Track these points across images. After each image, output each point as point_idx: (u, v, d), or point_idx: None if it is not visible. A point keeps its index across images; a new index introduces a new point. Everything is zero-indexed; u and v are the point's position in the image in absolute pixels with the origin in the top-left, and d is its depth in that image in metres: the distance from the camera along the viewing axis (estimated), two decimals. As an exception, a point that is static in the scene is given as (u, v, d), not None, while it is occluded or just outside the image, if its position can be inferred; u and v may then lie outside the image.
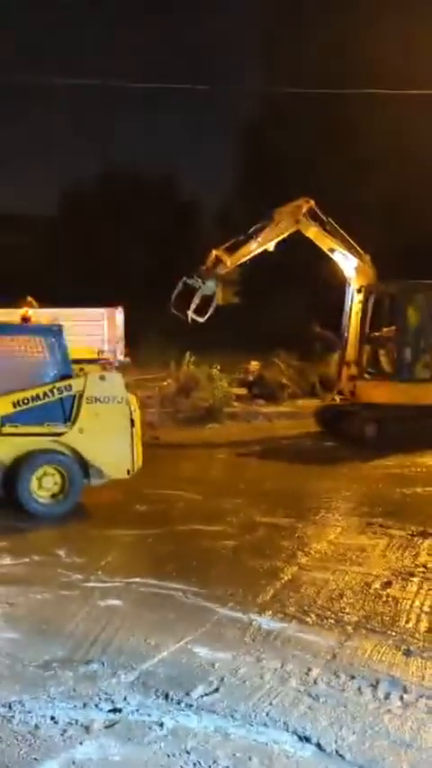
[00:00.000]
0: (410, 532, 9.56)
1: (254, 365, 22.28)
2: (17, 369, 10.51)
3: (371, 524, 9.99)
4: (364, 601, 7.29)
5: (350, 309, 17.26)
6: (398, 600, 7.32)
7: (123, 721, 5.07)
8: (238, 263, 17.09)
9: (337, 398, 17.66)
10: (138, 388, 15.92)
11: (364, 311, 16.94)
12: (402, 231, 24.49)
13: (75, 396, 10.42)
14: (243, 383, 21.65)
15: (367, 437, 15.95)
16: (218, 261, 16.90)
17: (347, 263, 17.14)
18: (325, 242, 17.14)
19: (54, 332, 10.68)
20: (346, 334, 17.38)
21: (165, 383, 20.06)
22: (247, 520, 10.20)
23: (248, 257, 17.15)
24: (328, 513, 10.52)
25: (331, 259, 17.35)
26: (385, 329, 17.17)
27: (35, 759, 4.63)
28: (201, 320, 17.12)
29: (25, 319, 11.26)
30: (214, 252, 17.03)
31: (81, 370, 10.75)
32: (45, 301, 16.63)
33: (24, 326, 11.04)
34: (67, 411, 10.41)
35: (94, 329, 16.11)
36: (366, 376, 16.92)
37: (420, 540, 9.25)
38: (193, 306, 16.86)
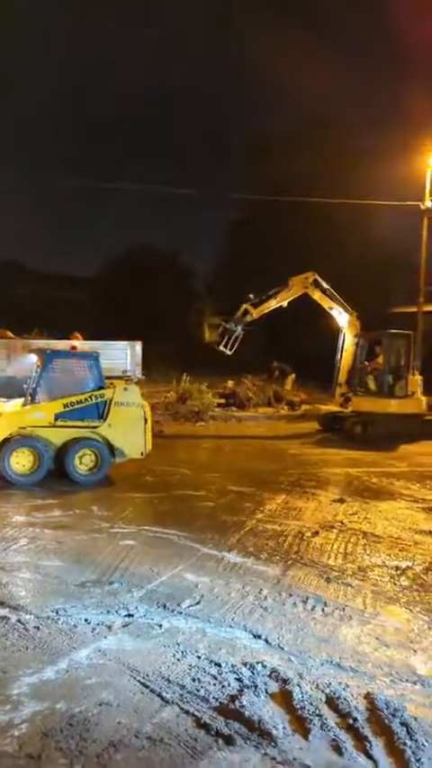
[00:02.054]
0: (332, 498, 9.62)
1: (230, 383, 22.30)
2: (67, 381, 10.52)
3: (306, 492, 10.01)
4: (300, 544, 7.33)
5: (342, 348, 17.36)
6: (322, 544, 7.36)
7: (134, 623, 5.10)
8: (260, 315, 17.25)
9: (335, 408, 17.68)
10: (150, 397, 15.93)
11: (358, 350, 17.04)
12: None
13: (106, 401, 10.42)
14: (222, 395, 21.65)
15: (356, 434, 16.03)
16: (245, 312, 17.13)
17: (341, 317, 17.24)
18: (326, 302, 17.25)
19: (93, 357, 10.70)
20: (338, 366, 17.46)
21: (168, 394, 20.05)
22: (222, 488, 10.21)
23: (268, 311, 17.29)
24: (277, 485, 10.50)
25: (326, 313, 17.49)
26: (372, 362, 17.19)
27: (74, 648, 4.66)
28: (229, 353, 17.39)
29: (73, 348, 11.29)
30: (244, 306, 17.19)
31: (111, 383, 10.77)
32: (87, 336, 16.71)
33: (73, 353, 11.07)
34: (100, 411, 10.41)
35: (120, 356, 16.07)
36: (359, 392, 16.97)
37: (339, 504, 9.29)
38: (223, 342, 17.26)
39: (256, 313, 17.09)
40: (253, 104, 56.83)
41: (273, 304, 17.15)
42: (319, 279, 17.16)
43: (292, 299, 17.19)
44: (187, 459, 13.04)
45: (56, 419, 10.17)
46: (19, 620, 5.08)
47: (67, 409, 10.23)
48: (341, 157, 32.31)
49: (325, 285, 17.16)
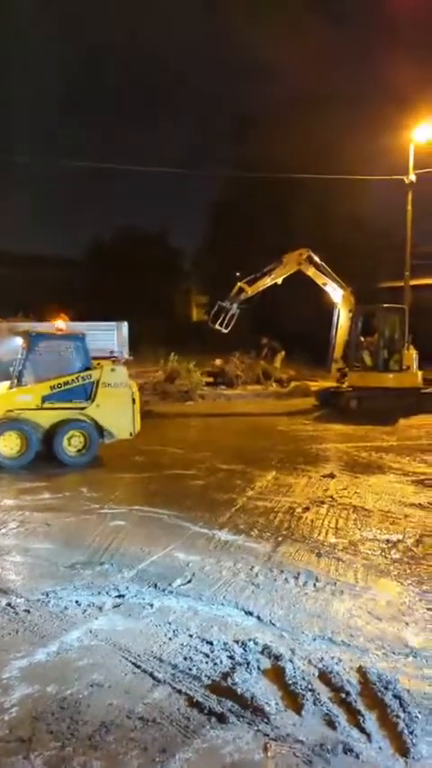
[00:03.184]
0: (322, 474, 9.61)
1: (218, 362, 22.20)
2: (54, 363, 10.40)
3: (296, 469, 10.00)
4: (290, 520, 7.32)
5: (337, 324, 17.27)
6: (313, 520, 7.35)
7: (125, 603, 5.07)
8: (255, 292, 17.12)
9: (332, 384, 17.59)
10: (137, 377, 15.80)
11: (353, 325, 16.97)
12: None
13: (94, 382, 10.32)
14: (210, 374, 21.55)
15: (351, 409, 16.01)
16: (240, 290, 17.01)
17: (335, 293, 17.18)
18: (320, 278, 17.18)
19: (79, 338, 10.58)
20: (333, 342, 17.39)
21: (156, 373, 19.93)
22: (212, 466, 10.17)
23: (262, 288, 17.15)
24: (267, 462, 10.46)
25: (316, 290, 17.37)
26: (368, 337, 17.15)
27: (64, 630, 4.62)
28: (225, 331, 17.24)
29: (59, 329, 11.14)
30: (239, 284, 17.07)
31: (98, 364, 10.66)
32: (73, 317, 16.50)
33: (58, 334, 10.92)
34: (88, 392, 10.32)
35: (107, 336, 15.93)
36: (355, 367, 16.92)
37: (329, 480, 9.27)
38: (221, 321, 17.08)
39: (251, 290, 17.02)
40: (238, 81, 55.94)
41: (267, 281, 17.06)
42: (313, 255, 17.05)
43: (286, 275, 17.09)
44: (177, 439, 12.98)
45: (43, 401, 10.07)
46: (9, 604, 5.03)
47: (54, 391, 10.13)
48: (327, 134, 31.95)
49: (318, 261, 17.07)
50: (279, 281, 17.07)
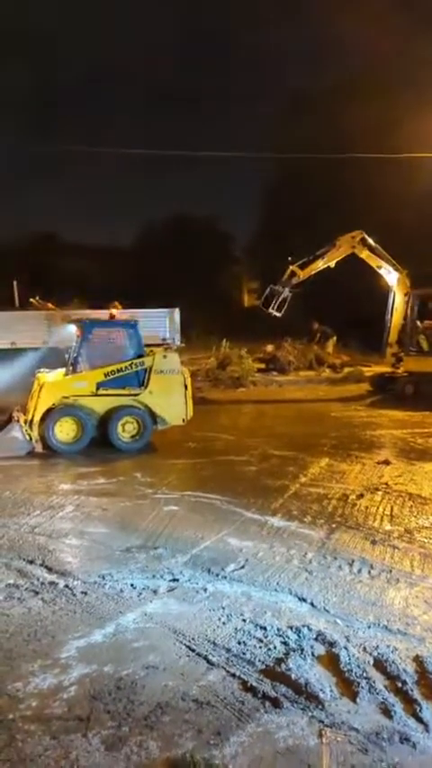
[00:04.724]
0: (377, 461, 9.48)
1: (269, 348, 22.09)
2: (107, 350, 10.54)
3: (350, 455, 9.89)
4: (344, 507, 7.25)
5: (392, 308, 16.98)
6: (367, 506, 7.27)
7: (180, 587, 5.12)
8: (308, 276, 16.81)
9: (387, 369, 17.32)
10: (189, 364, 15.88)
11: (409, 309, 16.64)
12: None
13: (146, 369, 10.42)
14: (262, 360, 21.48)
15: (407, 395, 15.79)
16: (293, 274, 16.75)
17: (390, 276, 16.85)
18: (374, 261, 16.84)
19: (132, 325, 10.68)
20: (389, 326, 17.09)
21: (208, 360, 19.97)
22: (264, 453, 10.15)
23: (315, 272, 16.84)
24: (320, 448, 10.38)
25: (370, 273, 17.05)
26: (425, 321, 16.80)
27: (120, 612, 4.71)
28: (279, 314, 17.01)
29: (112, 317, 11.28)
30: (291, 267, 16.75)
31: (151, 351, 10.75)
32: (126, 305, 16.66)
33: (112, 321, 11.06)
34: (141, 379, 10.43)
35: (159, 323, 16.03)
36: (411, 352, 16.66)
37: (383, 466, 9.14)
38: (274, 305, 16.80)
39: (303, 274, 16.67)
40: (294, 59, 54.73)
41: (320, 264, 16.68)
42: (367, 237, 16.68)
43: (339, 258, 16.74)
44: (229, 425, 13.01)
45: (97, 388, 10.23)
46: (66, 586, 5.15)
47: (108, 378, 10.27)
48: (383, 113, 31.19)
49: (373, 243, 16.70)
50: (332, 264, 16.70)
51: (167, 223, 43.32)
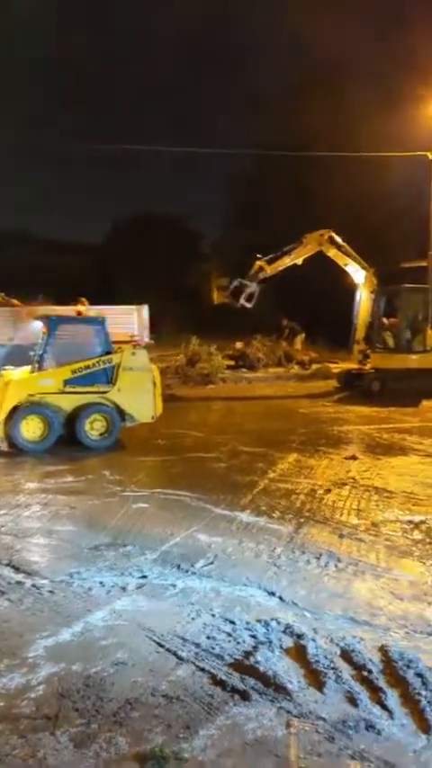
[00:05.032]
0: (344, 456, 9.59)
1: (239, 345, 22.17)
2: (74, 347, 10.47)
3: (317, 451, 9.99)
4: (312, 502, 7.33)
5: (358, 305, 17.18)
6: (334, 501, 7.36)
7: (149, 584, 5.13)
8: (275, 271, 16.92)
9: (354, 366, 17.54)
10: (159, 360, 15.86)
11: (375, 306, 16.88)
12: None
13: (114, 366, 10.38)
14: (231, 357, 21.55)
15: (373, 391, 15.95)
16: (260, 269, 16.80)
17: (357, 274, 17.07)
18: (342, 260, 17.06)
19: (100, 322, 10.63)
20: (355, 323, 17.30)
21: (177, 357, 19.97)
22: (233, 449, 10.20)
23: (282, 268, 16.95)
24: (289, 444, 10.47)
25: (336, 271, 17.28)
26: (391, 318, 17.04)
27: (89, 610, 4.69)
28: (249, 305, 16.99)
29: (79, 313, 11.22)
30: (258, 262, 16.83)
31: (119, 348, 10.71)
32: (93, 301, 16.55)
33: (79, 318, 11.00)
34: (109, 376, 10.38)
35: (128, 320, 16.00)
36: (377, 349, 16.86)
37: (350, 462, 9.26)
38: (243, 297, 16.77)
39: (270, 270, 16.79)
40: (257, 57, 55.02)
41: (287, 261, 16.85)
42: (335, 235, 16.87)
43: (306, 256, 16.91)
44: (198, 422, 13.03)
45: (65, 385, 10.15)
46: (34, 585, 5.12)
47: (75, 375, 10.20)
48: (348, 110, 31.47)
49: (340, 242, 16.90)
50: (299, 261, 16.87)
51: (136, 220, 43.13)
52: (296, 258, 16.83)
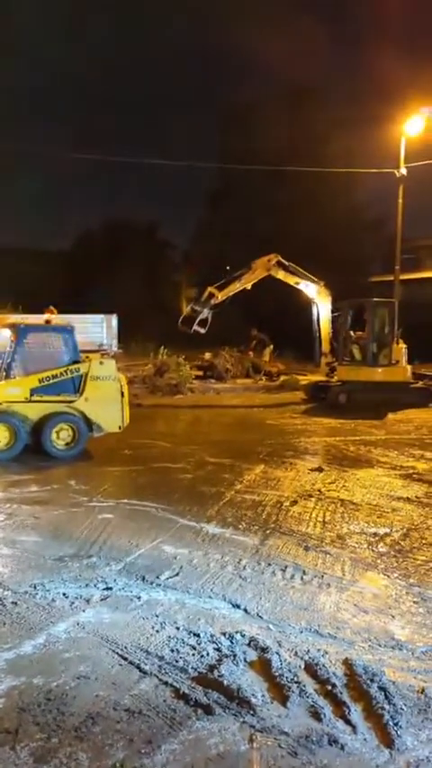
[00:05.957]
0: (310, 468, 9.64)
1: (207, 355, 22.22)
2: (42, 356, 10.36)
3: (284, 462, 10.03)
4: (278, 513, 7.34)
5: (318, 319, 17.35)
6: (300, 513, 7.38)
7: (113, 596, 5.07)
8: (225, 297, 17.29)
9: (321, 378, 17.66)
10: (127, 370, 15.79)
11: (341, 319, 17.02)
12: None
13: (82, 375, 10.29)
14: (200, 368, 21.58)
15: (340, 403, 16.05)
16: (211, 295, 17.23)
17: (309, 289, 17.30)
18: (291, 279, 17.33)
19: (68, 331, 10.54)
20: (318, 336, 17.46)
21: (146, 367, 19.92)
22: (200, 460, 10.18)
23: (232, 293, 17.35)
24: (256, 455, 10.48)
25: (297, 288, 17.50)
26: (358, 331, 17.19)
27: (52, 622, 4.62)
28: (202, 331, 17.46)
29: (48, 322, 11.12)
30: (209, 289, 17.31)
31: (87, 357, 10.63)
32: (62, 310, 16.43)
33: (47, 326, 10.89)
34: (76, 385, 10.28)
35: (96, 329, 15.94)
36: (344, 362, 16.98)
37: (317, 473, 9.31)
38: (196, 323, 17.23)
39: (221, 295, 17.31)
40: (228, 74, 55.66)
41: (237, 286, 17.35)
42: (282, 259, 17.26)
43: (255, 281, 17.36)
44: (165, 432, 12.98)
45: (31, 394, 10.03)
46: (-5, 597, 5.02)
47: (42, 384, 10.09)
48: (319, 126, 31.93)
49: (287, 263, 17.27)
50: (248, 286, 17.39)
51: (107, 229, 43.05)
52: (246, 283, 17.33)
